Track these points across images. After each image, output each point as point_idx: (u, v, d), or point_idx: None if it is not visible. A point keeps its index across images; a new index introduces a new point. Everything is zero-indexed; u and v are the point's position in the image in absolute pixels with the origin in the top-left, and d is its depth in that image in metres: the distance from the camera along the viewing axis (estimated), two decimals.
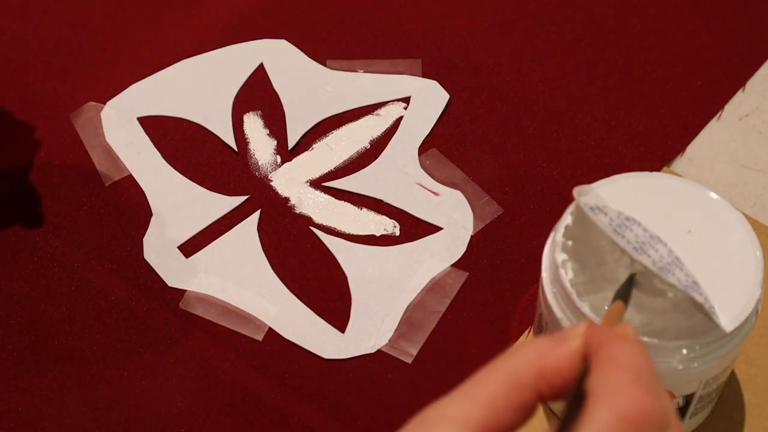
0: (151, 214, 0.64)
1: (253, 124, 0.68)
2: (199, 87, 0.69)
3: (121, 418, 0.57)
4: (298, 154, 0.66)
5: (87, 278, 0.61)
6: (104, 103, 0.68)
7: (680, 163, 0.66)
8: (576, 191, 0.50)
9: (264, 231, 0.63)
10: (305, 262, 0.62)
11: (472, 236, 0.63)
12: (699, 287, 0.47)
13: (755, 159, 0.66)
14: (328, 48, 0.71)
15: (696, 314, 0.48)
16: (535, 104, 0.69)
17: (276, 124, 0.68)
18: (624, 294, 0.47)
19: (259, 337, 0.59)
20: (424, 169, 0.66)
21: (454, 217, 0.64)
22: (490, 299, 0.61)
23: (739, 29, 0.72)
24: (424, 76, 0.70)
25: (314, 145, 0.67)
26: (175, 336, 0.59)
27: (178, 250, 0.62)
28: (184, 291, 0.61)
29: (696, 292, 0.47)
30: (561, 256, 0.50)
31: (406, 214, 0.64)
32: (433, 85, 0.69)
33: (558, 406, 0.55)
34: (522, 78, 0.70)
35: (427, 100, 0.69)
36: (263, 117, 0.68)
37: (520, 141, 0.67)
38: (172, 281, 0.61)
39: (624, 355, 0.38)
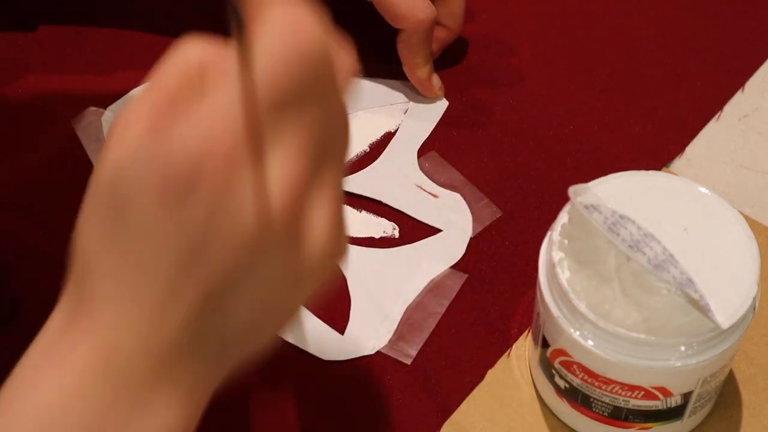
0: None
1: None
2: None
3: None
4: None
5: None
6: (105, 108, 0.69)
7: (679, 163, 0.66)
8: (572, 190, 0.50)
9: None
10: None
11: (471, 238, 0.63)
12: (694, 284, 0.48)
13: (754, 159, 0.66)
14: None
15: (693, 311, 0.48)
16: (533, 106, 0.69)
17: None
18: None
19: None
20: (423, 172, 0.66)
21: (453, 219, 0.64)
22: (489, 301, 0.61)
23: (738, 29, 0.73)
24: None
25: None
26: None
27: None
28: None
29: (691, 289, 0.47)
30: (558, 255, 0.50)
31: (405, 216, 0.64)
32: None
33: (555, 404, 0.55)
34: (521, 80, 0.70)
35: (426, 105, 0.69)
36: None
37: (518, 143, 0.67)
38: None
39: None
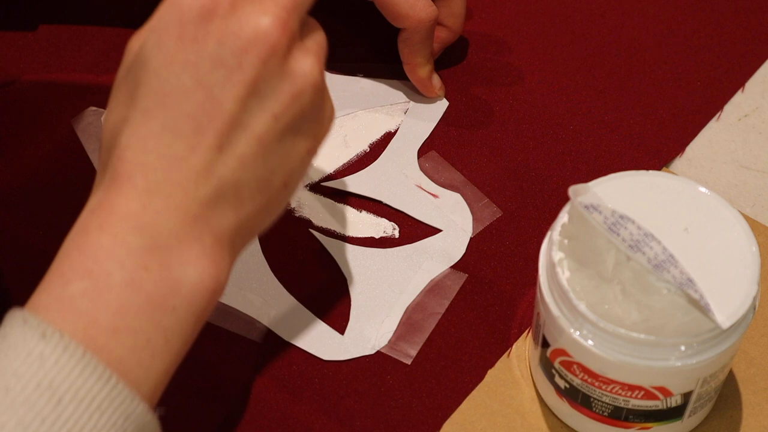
0: None
1: None
2: None
3: None
4: None
5: None
6: (105, 108, 0.68)
7: (679, 163, 0.66)
8: (572, 190, 0.50)
9: (264, 233, 0.63)
10: (305, 264, 0.62)
11: (471, 238, 0.63)
12: (694, 284, 0.48)
13: (754, 159, 0.66)
14: (327, 52, 0.71)
15: (693, 311, 0.48)
16: (533, 106, 0.69)
17: None
18: None
19: (259, 339, 0.59)
20: (423, 172, 0.66)
21: (454, 219, 0.64)
22: (489, 301, 0.61)
23: (738, 29, 0.73)
24: None
25: None
26: None
27: None
28: None
29: (691, 289, 0.47)
30: (558, 255, 0.50)
31: (405, 216, 0.64)
32: None
33: (555, 404, 0.55)
34: (521, 80, 0.70)
35: (426, 105, 0.69)
36: None
37: (519, 143, 0.67)
38: None
39: None
